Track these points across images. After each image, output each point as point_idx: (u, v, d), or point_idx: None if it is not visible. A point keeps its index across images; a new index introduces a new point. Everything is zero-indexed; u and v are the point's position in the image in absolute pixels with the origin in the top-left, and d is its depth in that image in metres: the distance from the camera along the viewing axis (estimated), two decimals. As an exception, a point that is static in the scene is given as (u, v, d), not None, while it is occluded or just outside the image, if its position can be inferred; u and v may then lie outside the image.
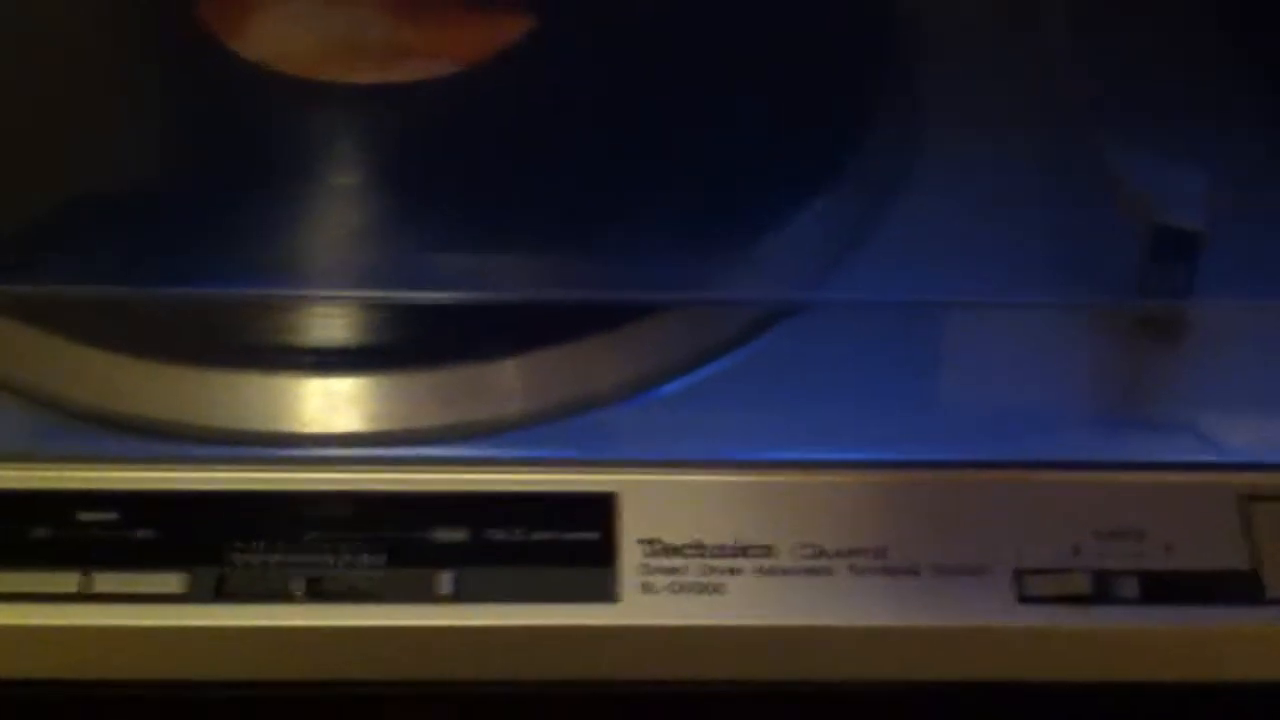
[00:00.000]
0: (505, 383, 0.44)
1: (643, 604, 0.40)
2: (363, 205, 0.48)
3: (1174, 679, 0.41)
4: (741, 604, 0.40)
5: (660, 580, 0.41)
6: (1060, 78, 0.51)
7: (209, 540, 0.40)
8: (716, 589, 0.40)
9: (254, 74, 0.50)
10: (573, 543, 0.41)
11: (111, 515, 0.40)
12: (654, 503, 0.41)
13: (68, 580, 0.39)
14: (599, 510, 0.41)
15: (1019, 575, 0.41)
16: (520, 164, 0.48)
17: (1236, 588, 0.41)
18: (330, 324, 0.45)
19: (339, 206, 0.48)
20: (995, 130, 0.51)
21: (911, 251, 0.47)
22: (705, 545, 0.41)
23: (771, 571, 0.41)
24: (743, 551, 0.41)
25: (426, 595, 0.40)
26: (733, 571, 0.41)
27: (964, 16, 0.55)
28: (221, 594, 0.40)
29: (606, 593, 0.40)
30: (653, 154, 0.49)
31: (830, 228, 0.48)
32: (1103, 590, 0.41)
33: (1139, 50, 0.53)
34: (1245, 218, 0.47)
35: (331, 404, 0.43)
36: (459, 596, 0.40)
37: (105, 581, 0.40)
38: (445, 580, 0.40)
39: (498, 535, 0.41)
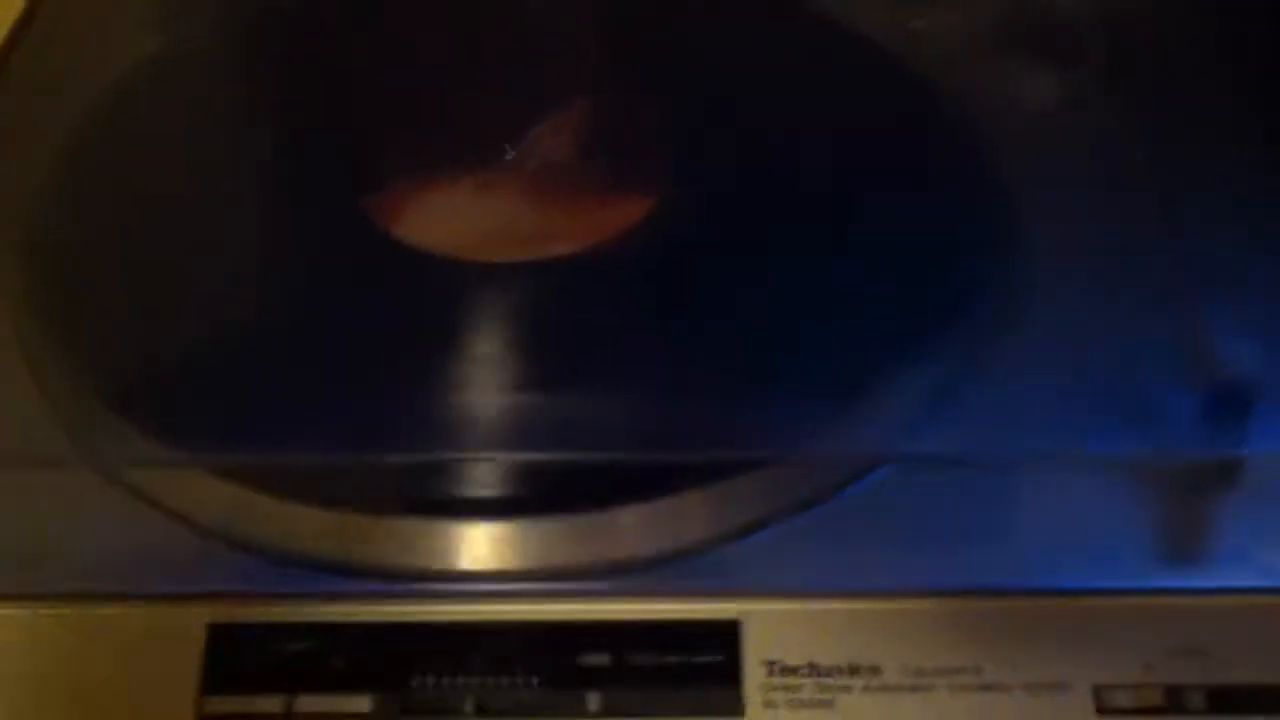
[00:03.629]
0: (636, 525, 0.46)
1: (766, 719, 0.42)
2: (509, 370, 0.50)
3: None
4: (853, 718, 0.42)
5: (780, 697, 0.43)
6: (1150, 237, 0.52)
7: (392, 665, 0.43)
8: (830, 705, 0.42)
9: (415, 256, 0.53)
10: (702, 665, 0.43)
11: (309, 644, 0.43)
12: (773, 628, 0.43)
13: (273, 702, 0.42)
14: (725, 635, 0.43)
15: (1098, 691, 0.43)
16: (641, 330, 0.50)
17: (1294, 699, 0.42)
18: (488, 478, 0.47)
19: (489, 372, 0.50)
20: (1086, 289, 0.52)
21: (997, 405, 0.49)
22: (819, 665, 0.43)
23: (878, 689, 0.43)
24: (853, 671, 0.43)
25: (578, 712, 0.43)
26: (844, 689, 0.43)
27: (1060, 188, 0.56)
28: (403, 713, 0.42)
29: (734, 709, 0.43)
30: (763, 319, 0.51)
31: (924, 387, 0.49)
32: (1174, 703, 0.42)
33: (1217, 207, 0.54)
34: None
35: (490, 546, 0.46)
36: (606, 714, 0.43)
37: (305, 703, 0.42)
38: (593, 700, 0.43)
39: (637, 659, 0.43)
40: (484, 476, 0.47)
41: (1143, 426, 0.48)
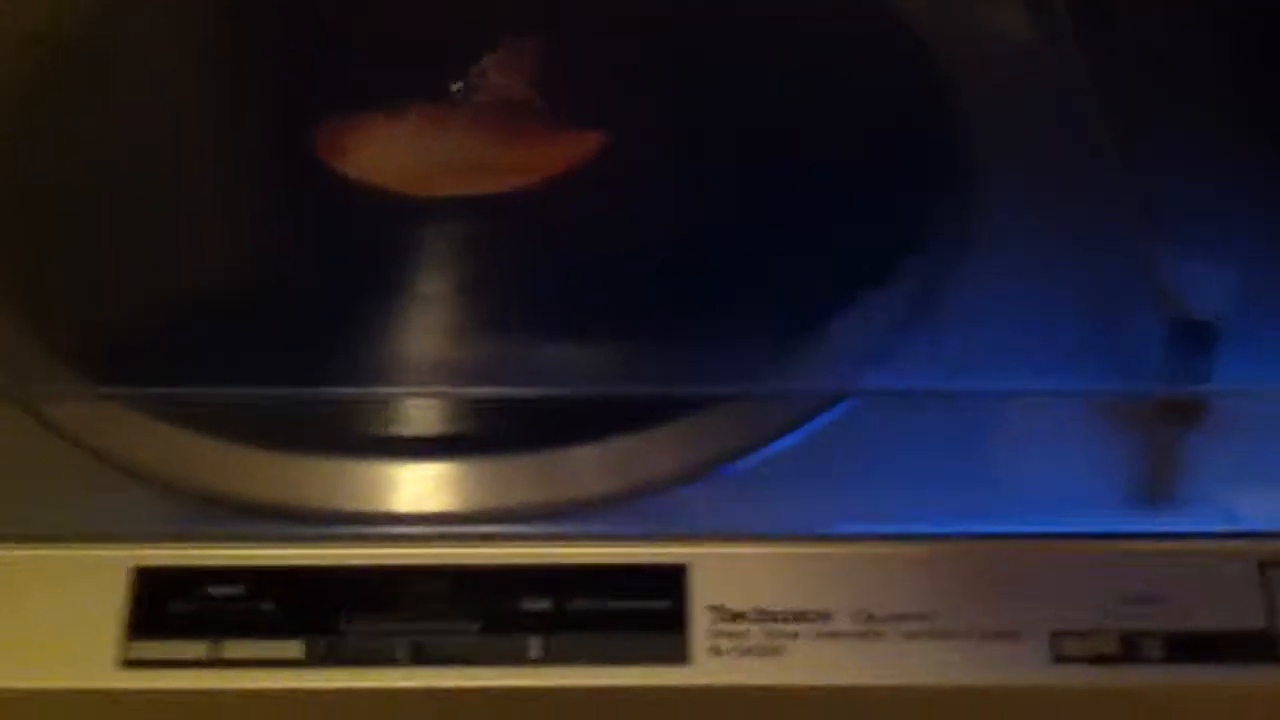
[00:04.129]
0: (584, 467, 0.45)
1: (711, 666, 0.42)
2: (455, 308, 0.50)
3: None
4: (800, 665, 0.42)
5: (727, 644, 0.42)
6: (1105, 173, 0.51)
7: (324, 610, 0.42)
8: (778, 651, 0.42)
9: (358, 190, 0.52)
10: (648, 610, 0.42)
11: (238, 589, 0.42)
12: (721, 573, 0.43)
13: (199, 648, 0.41)
14: (671, 580, 0.43)
15: (1054, 637, 0.42)
16: (595, 267, 0.50)
17: (1253, 648, 0.42)
18: (427, 416, 0.46)
19: (433, 309, 0.50)
20: (1042, 225, 0.52)
21: (953, 349, 0.48)
22: (767, 611, 0.42)
23: (828, 636, 0.42)
24: (801, 617, 0.42)
25: (518, 659, 0.42)
26: (792, 636, 0.42)
27: (1014, 122, 0.55)
28: (335, 659, 0.42)
29: (679, 656, 0.42)
30: (717, 255, 0.50)
31: (882, 322, 0.49)
32: (1130, 651, 0.42)
33: (1174, 147, 0.53)
34: (1268, 305, 0.48)
35: (429, 488, 0.45)
36: (547, 660, 0.42)
37: (233, 649, 0.41)
38: (534, 645, 0.42)
39: (580, 604, 0.42)
40: (424, 415, 0.47)
41: (1104, 363, 0.48)
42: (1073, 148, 0.53)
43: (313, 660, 0.42)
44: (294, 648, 0.42)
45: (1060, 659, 0.42)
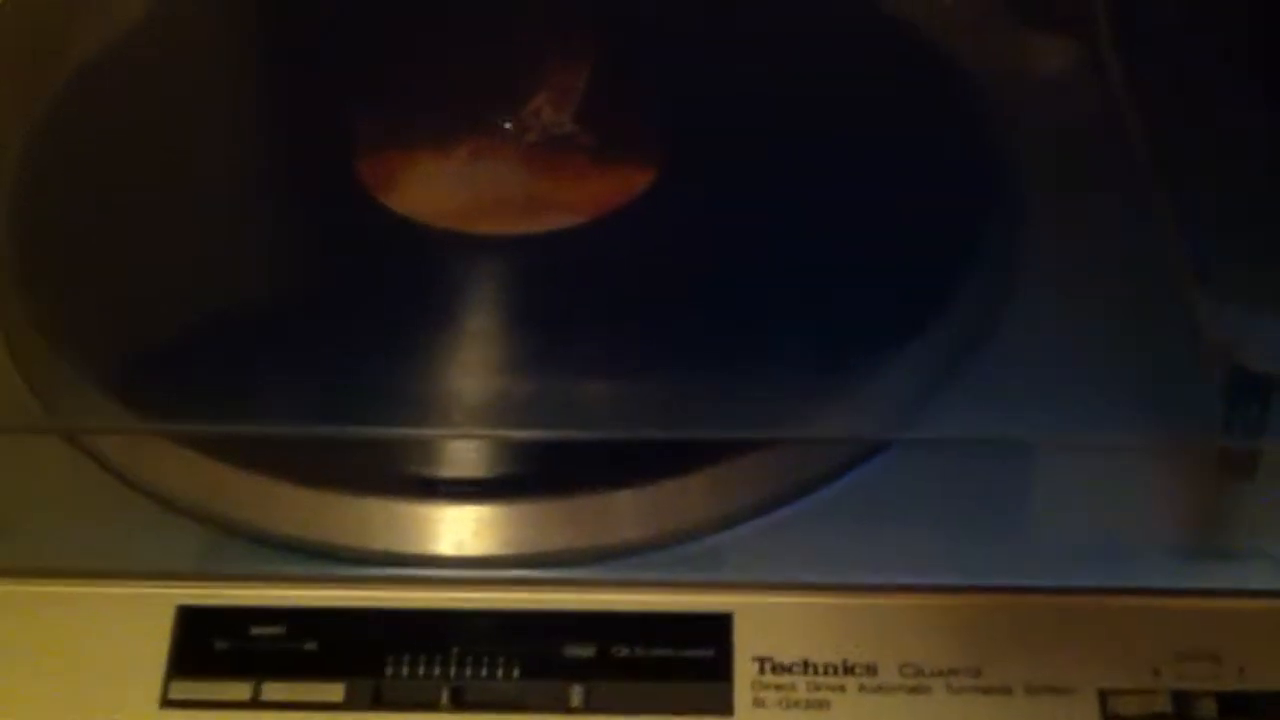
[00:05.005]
0: (626, 511, 0.45)
1: (756, 718, 0.41)
2: (499, 346, 0.49)
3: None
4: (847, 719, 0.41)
5: (771, 696, 0.41)
6: (1155, 225, 0.50)
7: (366, 653, 0.42)
8: (824, 705, 0.41)
9: (404, 225, 0.52)
10: (691, 659, 0.42)
11: (280, 629, 0.42)
12: (766, 623, 0.42)
13: (241, 689, 0.41)
14: (716, 629, 0.42)
15: (1104, 695, 0.41)
16: (639, 306, 0.50)
17: (1308, 707, 0.41)
18: (469, 458, 0.46)
19: (478, 347, 0.49)
20: (1086, 279, 0.51)
21: (1000, 394, 0.48)
22: (813, 664, 0.42)
23: (874, 690, 0.41)
24: (848, 670, 0.42)
25: (559, 706, 0.41)
26: (838, 689, 0.41)
27: (1060, 170, 0.55)
28: (376, 702, 0.41)
29: (722, 707, 0.41)
30: (762, 294, 0.50)
31: (923, 370, 0.48)
32: (1182, 710, 0.41)
33: (1228, 202, 0.52)
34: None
35: (470, 530, 0.44)
36: (589, 708, 0.41)
37: (273, 690, 0.41)
38: (576, 693, 0.41)
39: (623, 652, 0.42)
40: (469, 455, 0.46)
41: (1156, 412, 0.47)
42: (1118, 182, 0.53)
43: (354, 703, 0.41)
44: (335, 690, 0.41)
45: (1110, 717, 0.41)
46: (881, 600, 0.43)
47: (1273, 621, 0.43)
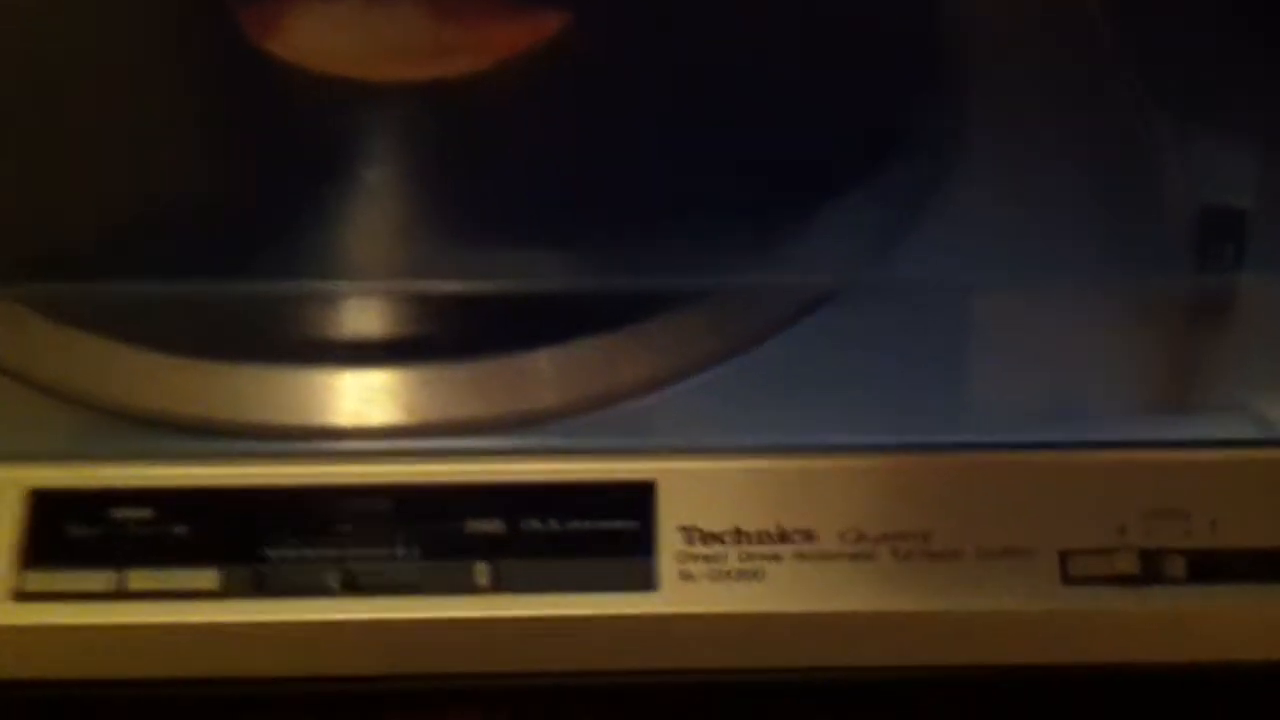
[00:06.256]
0: (541, 374, 0.43)
1: (682, 592, 0.40)
2: (399, 200, 0.48)
3: (1221, 659, 0.40)
4: (782, 591, 0.40)
5: (699, 568, 0.40)
6: (1106, 65, 0.50)
7: (243, 536, 0.40)
8: (756, 576, 0.40)
9: (293, 74, 0.50)
10: (611, 532, 0.40)
11: (146, 512, 0.40)
12: (693, 490, 0.41)
13: (103, 579, 0.39)
14: (637, 498, 0.41)
15: (1064, 557, 0.40)
16: (557, 156, 0.48)
17: (1286, 565, 0.40)
18: (366, 317, 0.45)
19: (377, 201, 0.48)
20: (1040, 120, 0.50)
21: (956, 241, 0.46)
22: (745, 532, 0.41)
23: (812, 557, 0.40)
24: (783, 538, 0.40)
25: (464, 587, 0.40)
26: (773, 558, 0.40)
27: (1010, 11, 0.54)
28: (256, 590, 0.40)
29: (645, 582, 0.40)
30: (691, 145, 0.48)
31: (871, 219, 0.47)
32: (1150, 570, 0.40)
33: (1184, 34, 0.52)
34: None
35: (367, 397, 0.43)
36: (497, 588, 0.40)
37: (140, 579, 0.39)
38: (482, 572, 0.40)
39: (535, 526, 0.41)
40: (364, 315, 0.45)
41: (1118, 256, 0.46)
42: (1074, 40, 0.52)
43: (230, 591, 0.40)
44: (208, 577, 0.40)
45: (1071, 580, 0.40)
46: (819, 463, 0.42)
47: (1245, 473, 0.41)
